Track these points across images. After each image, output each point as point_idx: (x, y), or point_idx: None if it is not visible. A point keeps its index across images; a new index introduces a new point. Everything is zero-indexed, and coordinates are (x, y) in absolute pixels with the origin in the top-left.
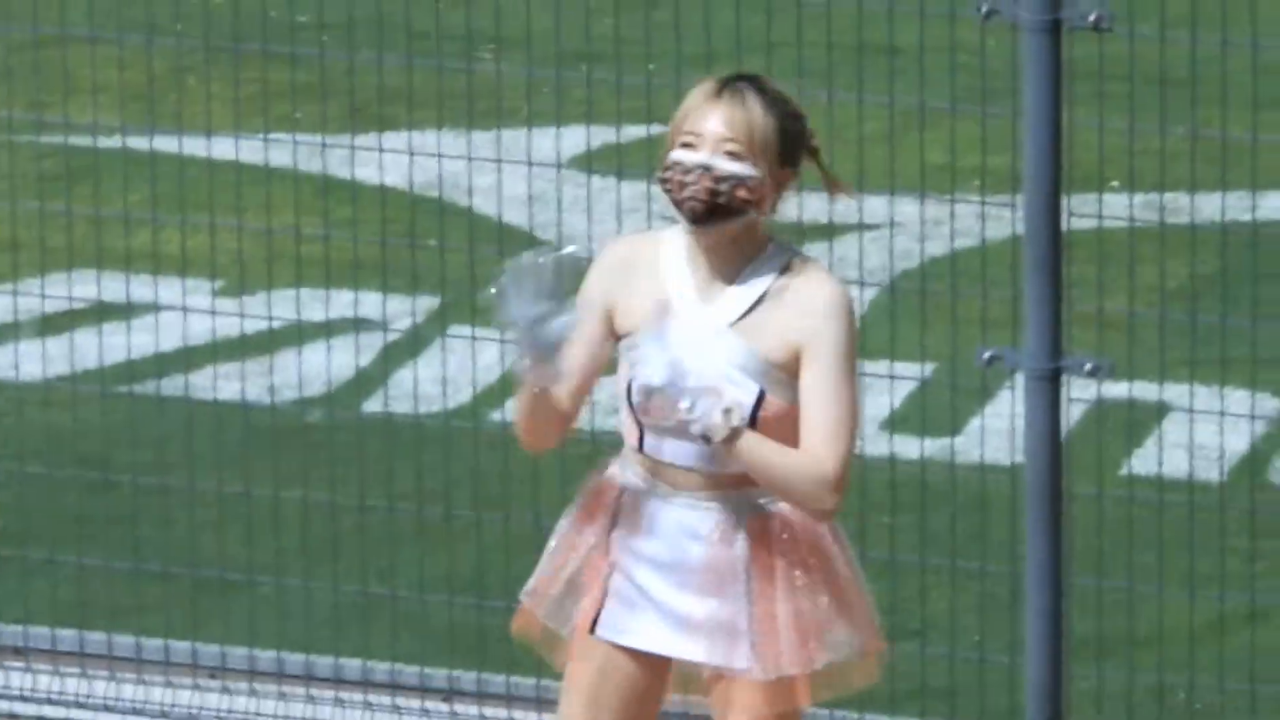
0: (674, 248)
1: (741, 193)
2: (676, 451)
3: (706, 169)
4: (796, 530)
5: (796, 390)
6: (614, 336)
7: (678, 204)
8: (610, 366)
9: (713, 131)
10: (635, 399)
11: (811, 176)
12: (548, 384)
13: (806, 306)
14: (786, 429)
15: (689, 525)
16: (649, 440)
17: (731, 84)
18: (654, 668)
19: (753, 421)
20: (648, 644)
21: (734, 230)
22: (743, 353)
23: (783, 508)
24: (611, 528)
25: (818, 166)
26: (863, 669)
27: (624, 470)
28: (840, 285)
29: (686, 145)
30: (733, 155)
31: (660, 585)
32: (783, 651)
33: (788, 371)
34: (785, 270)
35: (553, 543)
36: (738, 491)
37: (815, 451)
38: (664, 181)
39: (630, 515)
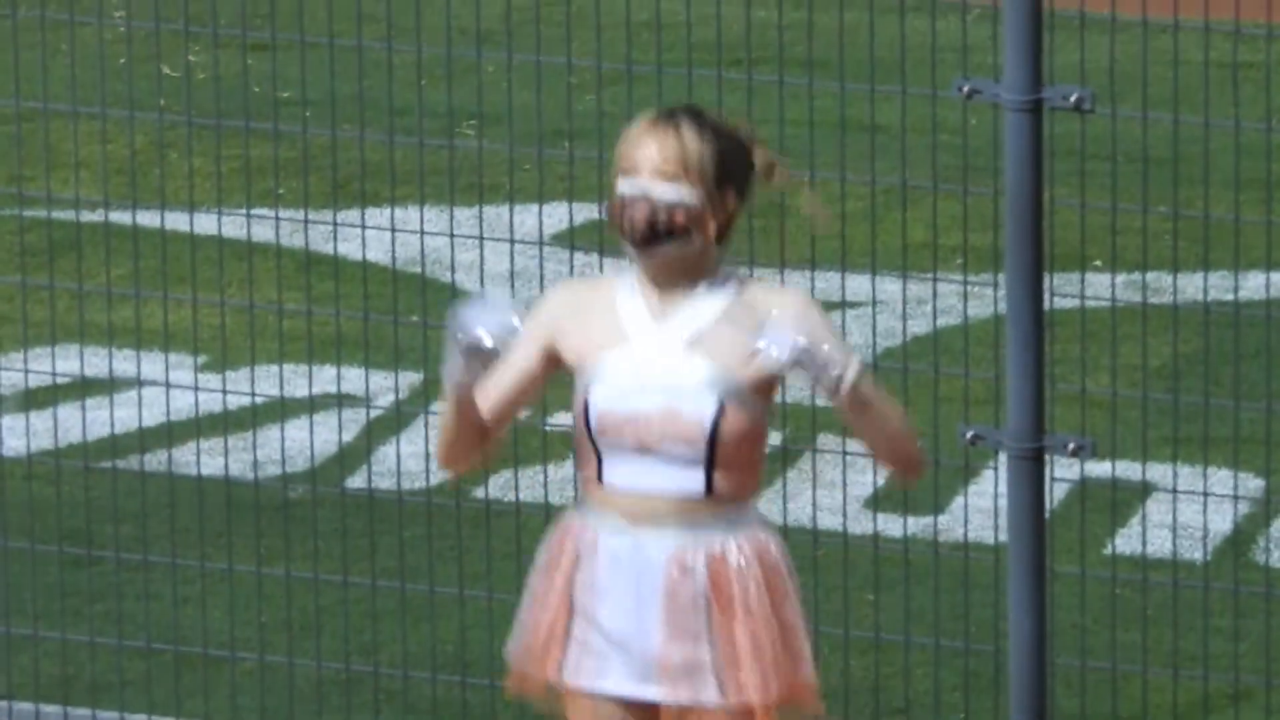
0: (626, 283)
1: (679, 217)
2: (636, 475)
3: (644, 196)
4: (755, 557)
5: (758, 408)
6: (553, 368)
7: (622, 233)
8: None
9: (648, 159)
10: (594, 422)
11: (799, 255)
12: (470, 379)
13: (761, 309)
14: (745, 451)
15: (648, 558)
16: (608, 468)
17: (667, 114)
18: (634, 711)
19: (713, 438)
20: (616, 687)
21: (680, 257)
22: (700, 368)
23: (742, 535)
24: (574, 573)
25: (790, 193)
26: (809, 699)
27: (582, 514)
28: (803, 291)
29: (625, 176)
30: (668, 179)
31: (622, 625)
32: (746, 680)
33: (751, 387)
34: (739, 292)
35: (526, 600)
36: (696, 520)
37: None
38: (610, 216)
39: (590, 556)
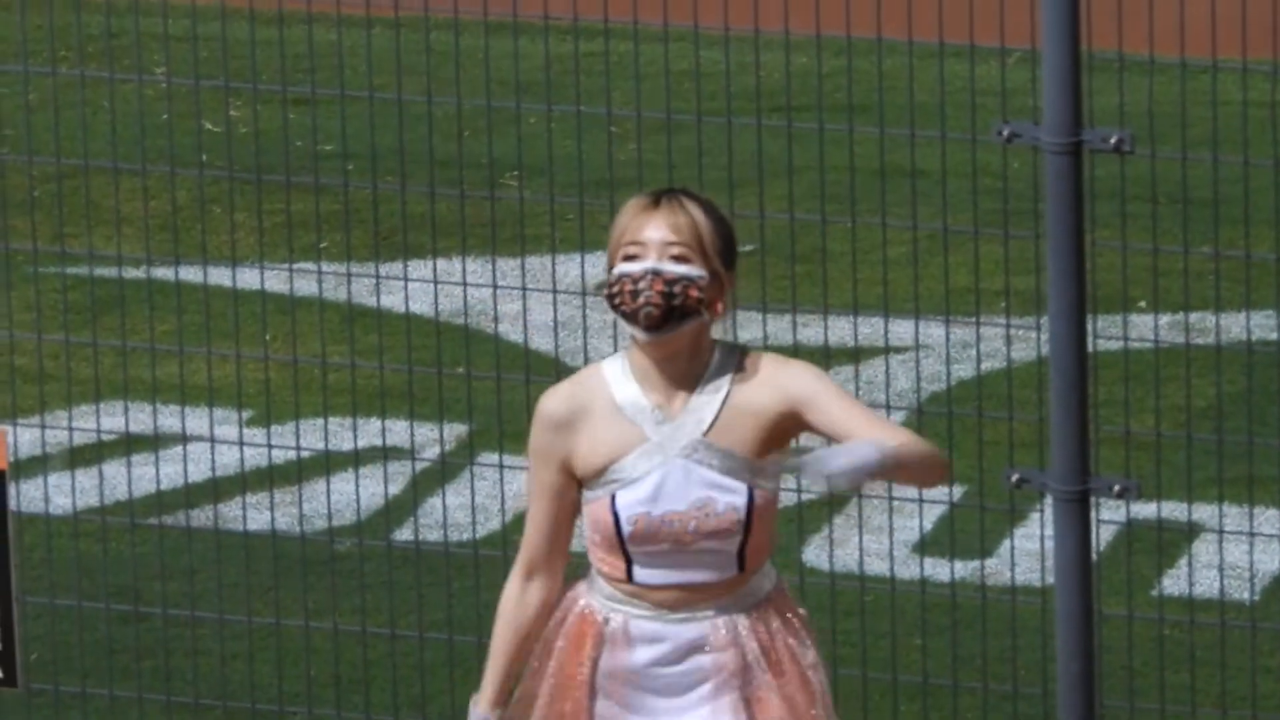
0: (619, 375)
1: (694, 293)
2: (672, 573)
3: (656, 274)
4: (780, 617)
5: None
6: (577, 482)
7: (631, 315)
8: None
9: (656, 238)
10: (626, 529)
11: (842, 300)
12: None
13: (772, 383)
14: (769, 519)
15: (692, 638)
16: (639, 570)
17: (666, 192)
18: None
19: (749, 522)
20: None
21: (688, 336)
22: (724, 458)
23: (767, 600)
24: (597, 658)
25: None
26: None
27: (599, 598)
28: (809, 365)
29: (630, 257)
30: (679, 259)
31: (660, 706)
32: None
33: (767, 454)
34: (740, 368)
35: (540, 687)
36: (730, 596)
37: (898, 435)
38: (612, 297)
39: (620, 641)
